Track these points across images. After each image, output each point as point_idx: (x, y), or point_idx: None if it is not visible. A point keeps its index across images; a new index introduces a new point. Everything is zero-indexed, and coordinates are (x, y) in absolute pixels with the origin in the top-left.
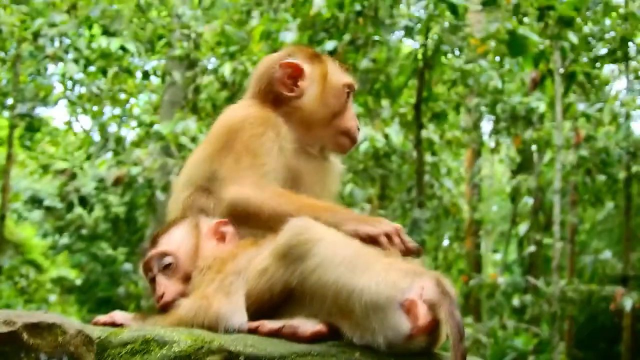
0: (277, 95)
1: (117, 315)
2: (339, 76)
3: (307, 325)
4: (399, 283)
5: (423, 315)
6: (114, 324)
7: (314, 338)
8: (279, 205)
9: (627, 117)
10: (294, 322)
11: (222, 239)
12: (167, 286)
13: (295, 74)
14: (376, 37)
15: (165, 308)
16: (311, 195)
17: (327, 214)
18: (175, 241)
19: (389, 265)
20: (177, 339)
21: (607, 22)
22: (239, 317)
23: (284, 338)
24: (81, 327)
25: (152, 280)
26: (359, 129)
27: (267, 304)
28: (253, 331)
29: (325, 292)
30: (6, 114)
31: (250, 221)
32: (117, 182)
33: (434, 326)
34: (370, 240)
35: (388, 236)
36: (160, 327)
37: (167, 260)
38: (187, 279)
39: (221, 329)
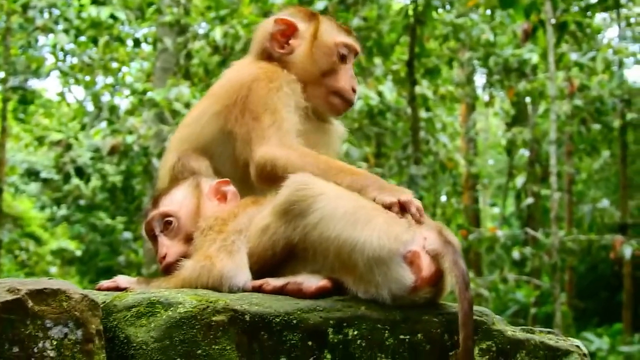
0: (270, 53)
1: (121, 280)
2: (332, 34)
3: (312, 280)
4: (401, 235)
5: (427, 266)
6: (117, 289)
7: (319, 293)
8: (304, 165)
9: (620, 64)
10: (297, 278)
11: (224, 198)
12: (169, 247)
13: (288, 31)
14: None
15: (167, 269)
16: None
17: (351, 177)
18: (176, 201)
19: (391, 217)
20: (182, 300)
21: None
22: (243, 275)
23: (288, 295)
24: (86, 292)
25: (155, 240)
26: (354, 91)
27: (270, 262)
28: (257, 289)
29: (327, 247)
30: None
31: (278, 181)
32: (113, 151)
33: (438, 276)
34: (386, 208)
35: (404, 205)
36: (164, 289)
37: (169, 220)
38: (188, 239)
39: (225, 289)
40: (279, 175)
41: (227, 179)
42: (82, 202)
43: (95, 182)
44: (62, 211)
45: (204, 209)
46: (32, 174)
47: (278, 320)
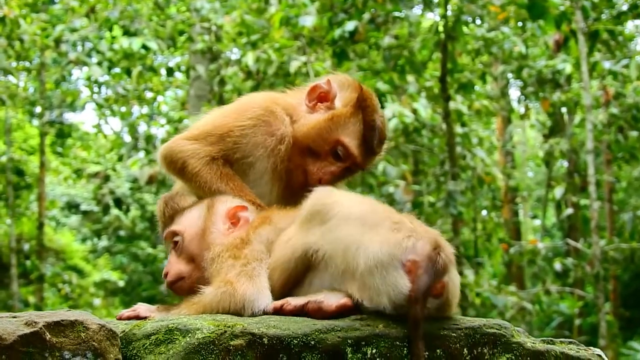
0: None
1: (141, 308)
2: (344, 131)
3: (332, 299)
4: (402, 242)
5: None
6: (138, 317)
7: (340, 311)
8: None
9: None
10: (318, 296)
11: (236, 223)
12: (172, 265)
13: (326, 96)
14: (396, 13)
15: (170, 287)
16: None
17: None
18: (185, 221)
19: (398, 224)
20: (199, 325)
21: None
22: (265, 299)
23: (309, 314)
24: (103, 322)
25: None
26: (320, 182)
27: (292, 275)
28: (278, 310)
29: (336, 247)
30: (36, 122)
31: (173, 170)
32: (151, 180)
33: (440, 288)
34: None
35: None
36: (183, 315)
37: (176, 239)
38: (191, 260)
39: (248, 312)
40: (173, 164)
41: (245, 205)
42: (122, 232)
43: (134, 212)
44: (103, 242)
45: (212, 232)
46: (72, 206)
47: (296, 342)
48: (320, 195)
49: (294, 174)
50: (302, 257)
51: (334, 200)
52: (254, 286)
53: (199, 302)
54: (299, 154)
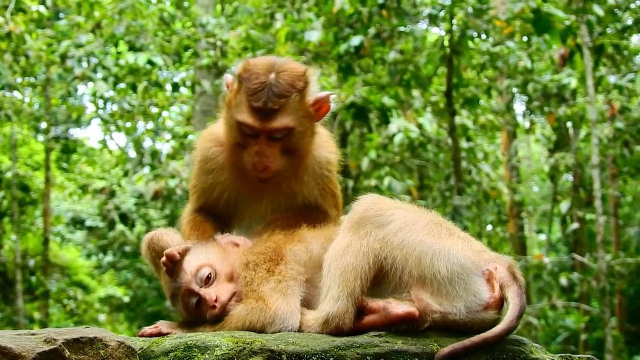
0: None
1: (163, 325)
2: (234, 112)
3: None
4: (481, 253)
5: (498, 289)
6: (160, 334)
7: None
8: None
9: None
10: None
11: (236, 246)
12: (217, 289)
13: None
14: (401, 28)
15: (223, 311)
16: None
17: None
18: (201, 256)
19: (469, 238)
20: (218, 342)
21: None
22: (295, 319)
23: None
24: (122, 339)
25: (198, 303)
26: (257, 168)
27: (366, 280)
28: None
29: (408, 252)
30: (41, 138)
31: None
32: (156, 196)
33: (502, 304)
34: None
35: None
36: (201, 332)
37: (205, 272)
38: (230, 278)
39: (275, 329)
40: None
41: (228, 232)
42: (127, 248)
43: (140, 227)
44: (109, 258)
45: (230, 253)
46: (77, 222)
47: (315, 358)
48: (370, 201)
49: (246, 176)
50: (375, 262)
51: (385, 205)
52: (287, 305)
53: (228, 317)
54: (239, 157)
